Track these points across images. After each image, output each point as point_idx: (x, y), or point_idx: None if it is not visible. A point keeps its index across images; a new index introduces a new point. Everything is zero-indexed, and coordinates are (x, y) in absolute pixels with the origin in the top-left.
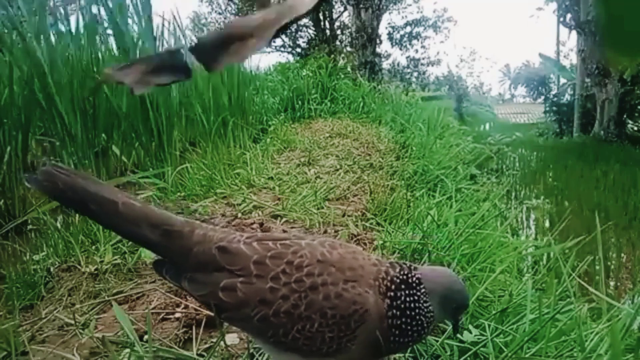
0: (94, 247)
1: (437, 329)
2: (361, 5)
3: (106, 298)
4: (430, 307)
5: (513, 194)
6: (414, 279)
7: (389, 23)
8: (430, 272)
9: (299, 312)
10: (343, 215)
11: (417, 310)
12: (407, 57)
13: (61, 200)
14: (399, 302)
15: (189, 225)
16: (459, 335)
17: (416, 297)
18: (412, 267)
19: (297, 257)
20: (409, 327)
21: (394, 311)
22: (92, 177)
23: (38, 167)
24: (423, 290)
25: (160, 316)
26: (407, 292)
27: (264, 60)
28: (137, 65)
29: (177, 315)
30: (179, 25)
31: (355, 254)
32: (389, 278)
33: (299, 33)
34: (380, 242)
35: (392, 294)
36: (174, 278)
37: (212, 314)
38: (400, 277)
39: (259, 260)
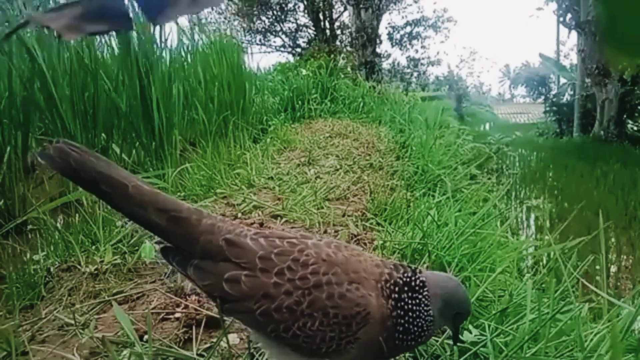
0: (94, 247)
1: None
2: (361, 5)
3: (106, 298)
4: (430, 312)
5: (513, 194)
6: (418, 281)
7: (389, 23)
8: (433, 277)
9: (301, 309)
10: (343, 215)
11: (418, 312)
12: (407, 57)
13: (72, 178)
14: (402, 303)
15: (196, 213)
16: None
17: (418, 300)
18: (416, 270)
19: (303, 255)
20: (411, 328)
21: (399, 311)
22: (102, 157)
23: (49, 143)
24: (425, 294)
25: (160, 316)
26: (409, 294)
27: (264, 60)
28: (70, 9)
29: (177, 315)
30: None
31: (359, 256)
32: (392, 280)
33: (299, 33)
34: (380, 242)
35: (396, 295)
36: (180, 265)
37: (214, 312)
38: (404, 279)
39: (265, 255)
